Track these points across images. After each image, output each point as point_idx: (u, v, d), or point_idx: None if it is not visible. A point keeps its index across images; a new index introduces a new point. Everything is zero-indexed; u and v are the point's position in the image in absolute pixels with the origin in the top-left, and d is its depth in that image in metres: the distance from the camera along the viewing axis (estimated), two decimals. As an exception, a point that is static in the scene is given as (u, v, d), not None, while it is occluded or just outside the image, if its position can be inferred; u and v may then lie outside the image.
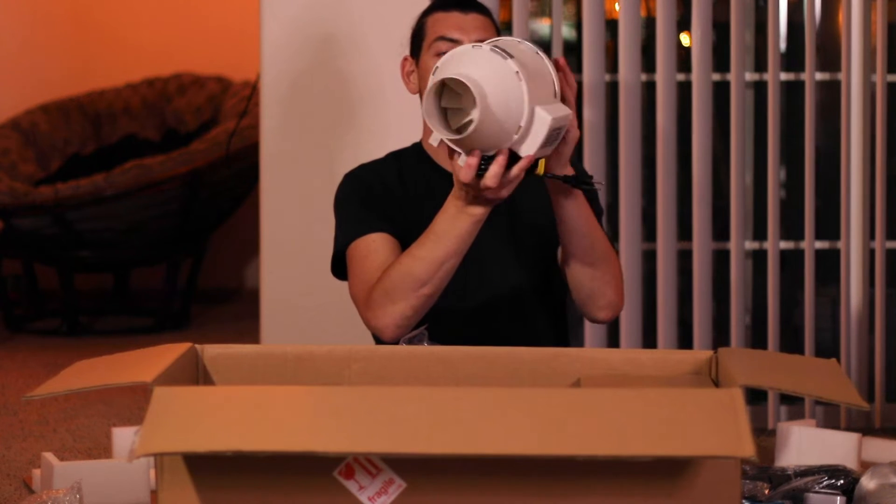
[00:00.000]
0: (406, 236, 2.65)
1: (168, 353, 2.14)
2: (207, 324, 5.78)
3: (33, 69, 6.38)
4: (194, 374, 2.25)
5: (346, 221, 2.75)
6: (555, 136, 2.33)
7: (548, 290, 2.78)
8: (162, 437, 1.75)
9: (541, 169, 2.39)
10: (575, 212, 2.51)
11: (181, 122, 6.08)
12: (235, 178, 5.64)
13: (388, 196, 2.76)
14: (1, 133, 5.88)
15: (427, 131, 2.83)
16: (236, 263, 6.48)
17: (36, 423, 3.95)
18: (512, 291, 2.75)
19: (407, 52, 2.85)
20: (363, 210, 2.73)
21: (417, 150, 2.85)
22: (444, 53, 2.49)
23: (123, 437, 3.07)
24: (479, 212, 2.41)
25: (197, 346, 2.28)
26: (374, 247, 2.65)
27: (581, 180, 2.47)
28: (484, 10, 2.77)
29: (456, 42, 2.70)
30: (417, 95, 2.81)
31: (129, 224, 5.56)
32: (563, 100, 2.38)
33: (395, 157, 2.86)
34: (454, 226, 2.44)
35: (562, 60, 2.37)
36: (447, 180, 2.77)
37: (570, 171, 2.47)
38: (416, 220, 2.72)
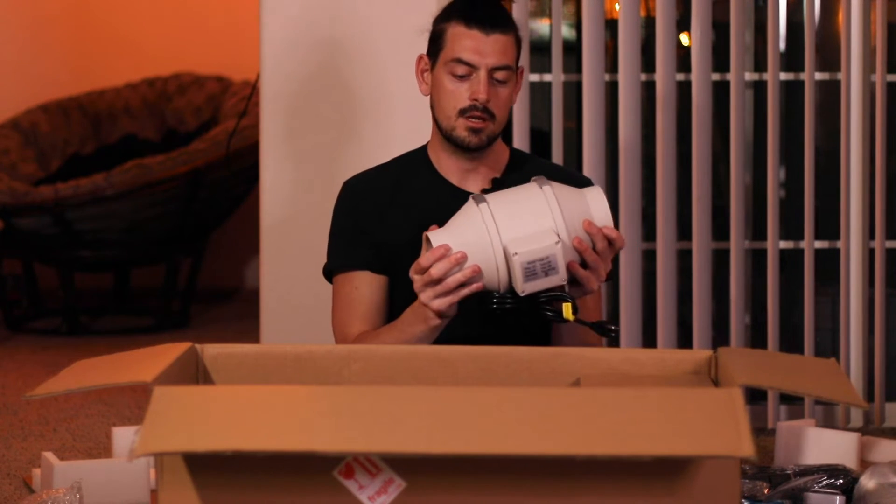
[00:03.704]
0: (390, 248, 2.76)
1: (168, 353, 2.14)
2: (207, 324, 5.78)
3: (33, 69, 6.38)
4: (194, 373, 2.25)
5: (337, 242, 2.86)
6: (547, 268, 2.53)
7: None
8: (162, 437, 1.75)
9: (568, 314, 2.57)
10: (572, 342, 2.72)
11: (181, 121, 6.08)
12: (235, 178, 5.64)
13: (375, 211, 2.82)
14: (1, 133, 5.88)
15: (432, 137, 2.84)
16: (236, 263, 6.48)
17: (36, 422, 3.95)
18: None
19: (425, 39, 2.84)
20: (354, 234, 2.82)
21: (423, 155, 2.86)
22: (460, 76, 2.71)
23: (123, 436, 3.07)
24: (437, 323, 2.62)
25: (197, 345, 2.28)
26: (356, 294, 2.79)
27: (604, 327, 2.65)
28: (507, 28, 2.74)
29: (471, 66, 2.71)
30: (420, 95, 2.83)
31: (129, 224, 5.55)
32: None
33: (399, 162, 2.89)
34: (415, 329, 2.63)
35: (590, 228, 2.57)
36: (445, 188, 2.79)
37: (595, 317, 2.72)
38: (402, 227, 2.75)
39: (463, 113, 2.72)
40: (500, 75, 2.72)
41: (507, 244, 2.51)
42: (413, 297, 2.64)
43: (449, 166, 2.81)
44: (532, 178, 2.61)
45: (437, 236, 2.55)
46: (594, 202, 2.58)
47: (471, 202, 2.58)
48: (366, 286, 2.79)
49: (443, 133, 2.77)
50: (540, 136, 4.01)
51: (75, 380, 2.06)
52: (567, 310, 2.55)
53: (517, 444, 1.72)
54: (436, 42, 2.77)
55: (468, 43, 2.71)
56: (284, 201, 3.94)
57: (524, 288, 2.52)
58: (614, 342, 2.86)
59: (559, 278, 2.52)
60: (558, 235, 2.51)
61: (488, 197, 2.57)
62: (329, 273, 2.86)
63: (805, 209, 3.93)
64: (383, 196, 2.82)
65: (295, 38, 3.92)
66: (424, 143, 2.89)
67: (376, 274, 2.79)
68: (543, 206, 2.54)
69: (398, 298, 2.77)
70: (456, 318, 2.64)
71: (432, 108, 2.79)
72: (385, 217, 2.80)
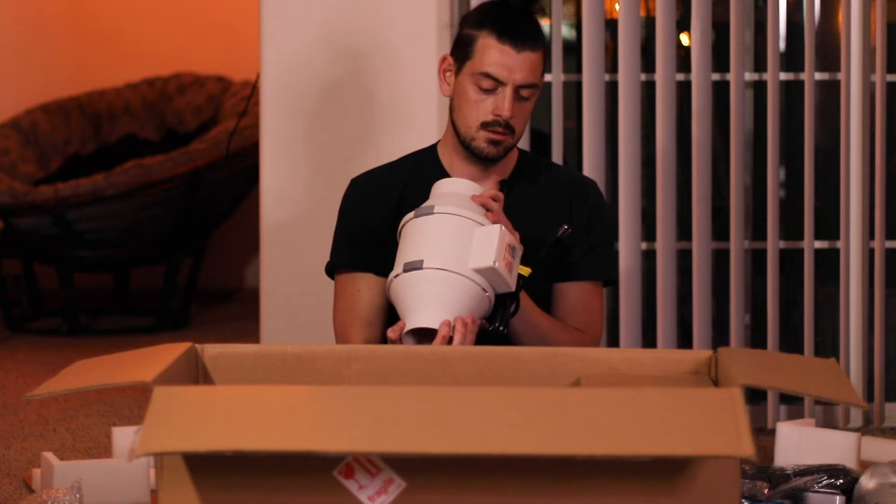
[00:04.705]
0: (395, 247, 2.72)
1: (168, 353, 2.14)
2: (207, 324, 5.78)
3: (33, 69, 6.38)
4: (194, 373, 2.25)
5: (341, 241, 2.86)
6: (511, 250, 2.55)
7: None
8: (162, 437, 1.75)
9: (526, 270, 2.59)
10: (521, 329, 2.68)
11: (181, 121, 6.08)
12: (235, 178, 5.64)
13: (382, 210, 2.82)
14: (1, 133, 5.88)
15: (446, 137, 2.83)
16: (236, 263, 6.48)
17: (36, 422, 3.95)
18: None
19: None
20: (359, 233, 2.82)
21: (433, 155, 2.85)
22: (485, 90, 2.69)
23: (123, 436, 3.08)
24: None
25: (197, 345, 2.28)
26: (358, 297, 2.80)
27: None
28: (537, 44, 2.72)
29: (499, 83, 2.69)
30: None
31: (129, 224, 5.56)
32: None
33: (409, 161, 2.88)
34: None
35: (478, 199, 2.62)
36: None
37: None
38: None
39: (485, 126, 2.71)
40: (525, 92, 2.71)
41: (478, 265, 2.51)
42: None
43: (461, 170, 2.80)
44: (405, 223, 2.62)
45: (420, 320, 2.52)
46: (455, 185, 2.64)
47: (410, 276, 2.54)
48: (367, 290, 2.79)
49: (461, 139, 2.76)
50: (540, 136, 4.01)
51: (75, 380, 2.06)
52: (524, 269, 2.58)
53: (517, 444, 1.72)
54: (464, 47, 2.74)
55: (498, 58, 2.69)
56: (284, 201, 3.94)
57: (511, 282, 2.53)
58: (605, 266, 2.85)
59: (519, 250, 2.56)
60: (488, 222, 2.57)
61: (417, 262, 2.55)
62: (332, 270, 2.86)
63: (805, 209, 3.93)
64: (391, 195, 2.81)
65: (295, 37, 3.92)
66: (428, 143, 2.89)
67: (378, 276, 2.79)
68: (454, 221, 2.55)
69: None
70: None
71: (451, 111, 2.78)
72: (392, 216, 2.78)
